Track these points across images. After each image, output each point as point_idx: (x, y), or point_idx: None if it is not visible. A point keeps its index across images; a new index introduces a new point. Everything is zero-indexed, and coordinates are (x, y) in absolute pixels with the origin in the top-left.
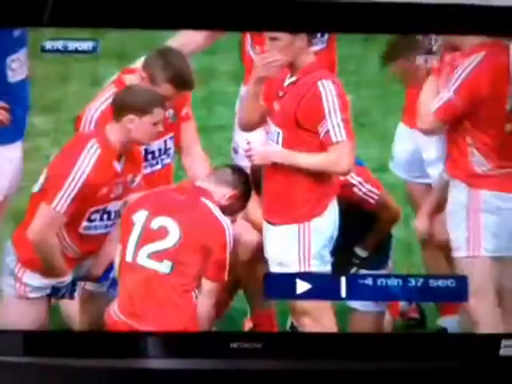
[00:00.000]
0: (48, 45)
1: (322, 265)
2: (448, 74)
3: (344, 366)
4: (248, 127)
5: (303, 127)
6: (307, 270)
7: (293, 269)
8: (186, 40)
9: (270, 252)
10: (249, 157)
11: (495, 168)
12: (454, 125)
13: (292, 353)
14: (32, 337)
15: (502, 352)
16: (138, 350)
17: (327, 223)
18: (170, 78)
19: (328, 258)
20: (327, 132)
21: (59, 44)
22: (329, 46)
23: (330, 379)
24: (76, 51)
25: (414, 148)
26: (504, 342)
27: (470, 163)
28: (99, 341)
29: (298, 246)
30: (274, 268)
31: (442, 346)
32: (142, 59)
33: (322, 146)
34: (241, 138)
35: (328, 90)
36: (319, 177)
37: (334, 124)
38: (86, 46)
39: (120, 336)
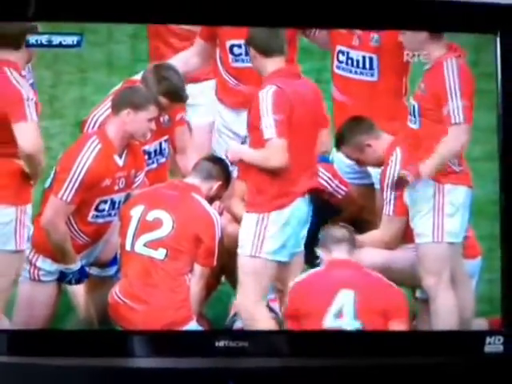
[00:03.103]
0: (32, 39)
1: (277, 256)
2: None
3: (331, 363)
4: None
5: (256, 127)
6: (257, 255)
7: (245, 252)
8: (182, 61)
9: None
10: (225, 156)
11: (458, 165)
12: (433, 122)
13: (278, 351)
14: (17, 336)
15: (487, 349)
16: (122, 349)
17: (287, 218)
18: (163, 92)
19: (287, 251)
20: (261, 131)
21: (43, 38)
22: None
23: (316, 377)
24: (60, 45)
25: None
26: (489, 339)
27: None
28: (84, 340)
29: (254, 233)
30: (237, 249)
31: (427, 343)
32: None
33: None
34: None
35: (264, 96)
36: (279, 174)
37: (266, 124)
38: (71, 40)
39: (105, 335)
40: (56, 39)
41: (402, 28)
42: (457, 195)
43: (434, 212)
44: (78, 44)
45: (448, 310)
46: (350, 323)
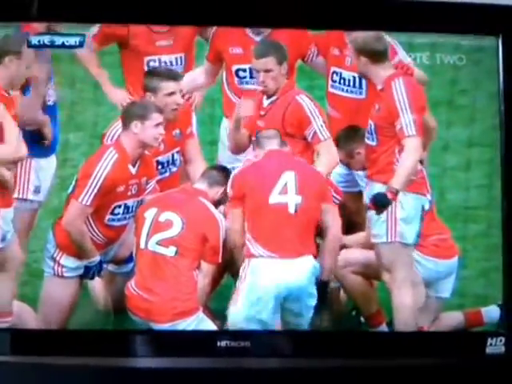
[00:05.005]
0: (34, 40)
1: None
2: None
3: (332, 364)
4: (237, 152)
5: (289, 134)
6: None
7: None
8: (191, 79)
9: None
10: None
11: (413, 175)
12: (388, 138)
13: (280, 351)
14: (19, 335)
15: (488, 350)
16: (124, 349)
17: None
18: (170, 77)
19: None
20: (315, 133)
21: (46, 39)
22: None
23: (318, 377)
24: (63, 46)
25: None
26: (490, 340)
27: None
28: (86, 339)
29: None
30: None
31: (428, 344)
32: None
33: (309, 146)
34: (224, 156)
35: (307, 101)
36: None
37: (318, 126)
38: (73, 40)
39: (107, 335)
40: (59, 40)
41: (403, 30)
42: (409, 201)
43: (388, 215)
44: (81, 45)
45: (404, 306)
46: (292, 198)
